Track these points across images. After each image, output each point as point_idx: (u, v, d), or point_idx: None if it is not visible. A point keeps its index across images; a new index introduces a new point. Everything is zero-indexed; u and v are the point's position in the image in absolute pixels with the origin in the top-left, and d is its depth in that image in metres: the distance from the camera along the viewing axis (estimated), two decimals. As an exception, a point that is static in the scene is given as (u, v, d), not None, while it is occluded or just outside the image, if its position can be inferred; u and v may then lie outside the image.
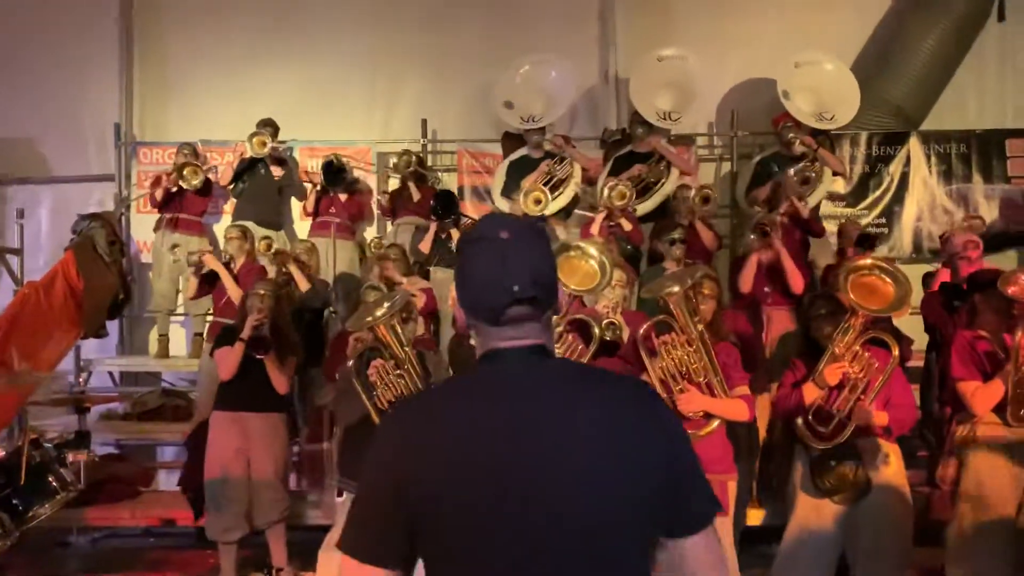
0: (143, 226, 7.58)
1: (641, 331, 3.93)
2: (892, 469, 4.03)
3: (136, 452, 6.72)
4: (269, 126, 7.13)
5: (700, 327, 3.84)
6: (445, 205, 6.32)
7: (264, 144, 6.95)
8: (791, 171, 6.20)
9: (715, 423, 3.86)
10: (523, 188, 6.44)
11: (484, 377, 1.60)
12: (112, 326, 7.21)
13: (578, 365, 2.38)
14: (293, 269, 5.88)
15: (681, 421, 1.73)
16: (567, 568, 1.48)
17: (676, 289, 3.81)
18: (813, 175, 6.21)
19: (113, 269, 6.94)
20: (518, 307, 1.56)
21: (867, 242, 5.92)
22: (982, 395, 4.01)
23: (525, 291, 1.55)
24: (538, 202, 6.37)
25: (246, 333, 4.76)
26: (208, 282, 6.24)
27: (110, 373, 7.33)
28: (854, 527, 4.02)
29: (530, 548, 1.47)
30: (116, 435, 6.39)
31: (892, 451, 4.06)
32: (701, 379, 3.85)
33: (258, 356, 4.77)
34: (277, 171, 7.12)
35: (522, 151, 7.05)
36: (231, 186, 7.17)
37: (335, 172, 6.91)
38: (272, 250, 6.01)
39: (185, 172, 6.93)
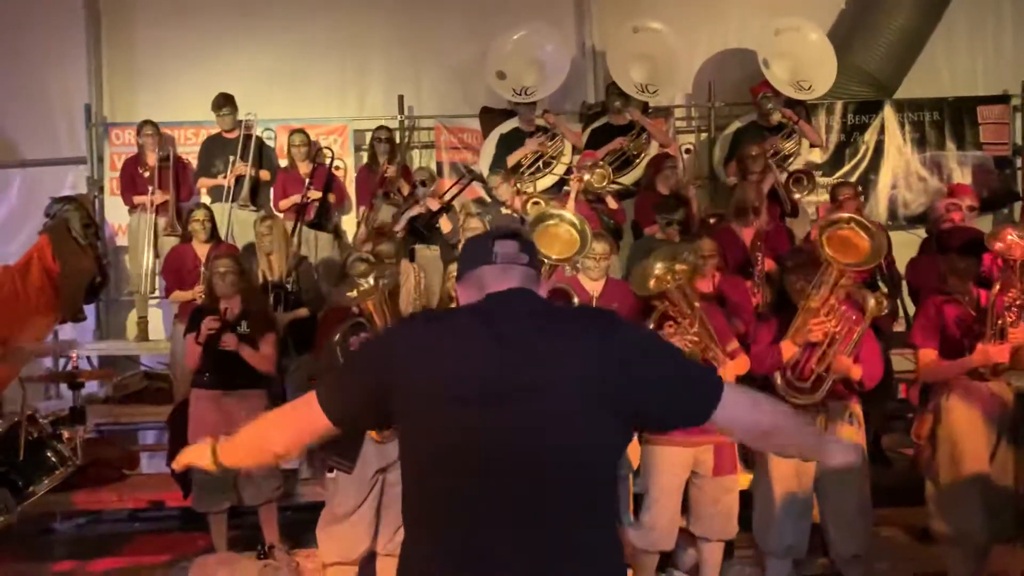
0: (117, 209, 7.45)
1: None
2: (853, 430, 4.06)
3: (118, 436, 6.65)
4: (229, 103, 6.97)
5: (696, 305, 3.90)
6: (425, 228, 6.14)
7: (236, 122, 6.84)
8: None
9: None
10: (509, 164, 6.37)
11: (481, 307, 1.89)
12: (89, 310, 7.12)
13: (552, 304, 2.60)
14: None
15: (641, 331, 2.25)
16: (543, 441, 1.77)
17: (670, 284, 3.88)
18: (804, 179, 6.31)
19: (89, 252, 6.82)
20: (504, 241, 1.91)
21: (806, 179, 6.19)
22: (934, 369, 4.02)
23: (507, 231, 1.95)
24: (536, 203, 6.07)
25: (202, 338, 4.65)
26: None
27: (88, 358, 7.23)
28: (823, 485, 4.07)
29: (509, 429, 1.76)
30: (98, 419, 6.30)
31: (856, 413, 4.10)
32: (710, 354, 3.93)
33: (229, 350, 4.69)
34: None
35: (512, 123, 6.95)
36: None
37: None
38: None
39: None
